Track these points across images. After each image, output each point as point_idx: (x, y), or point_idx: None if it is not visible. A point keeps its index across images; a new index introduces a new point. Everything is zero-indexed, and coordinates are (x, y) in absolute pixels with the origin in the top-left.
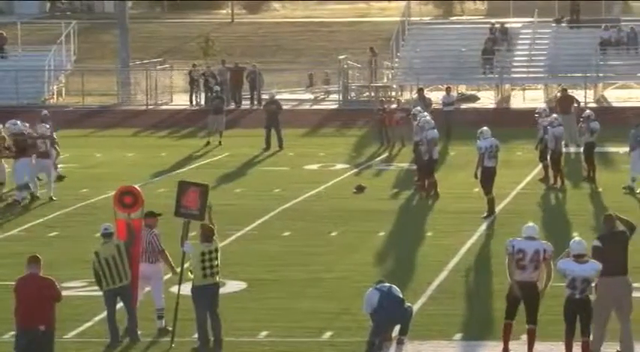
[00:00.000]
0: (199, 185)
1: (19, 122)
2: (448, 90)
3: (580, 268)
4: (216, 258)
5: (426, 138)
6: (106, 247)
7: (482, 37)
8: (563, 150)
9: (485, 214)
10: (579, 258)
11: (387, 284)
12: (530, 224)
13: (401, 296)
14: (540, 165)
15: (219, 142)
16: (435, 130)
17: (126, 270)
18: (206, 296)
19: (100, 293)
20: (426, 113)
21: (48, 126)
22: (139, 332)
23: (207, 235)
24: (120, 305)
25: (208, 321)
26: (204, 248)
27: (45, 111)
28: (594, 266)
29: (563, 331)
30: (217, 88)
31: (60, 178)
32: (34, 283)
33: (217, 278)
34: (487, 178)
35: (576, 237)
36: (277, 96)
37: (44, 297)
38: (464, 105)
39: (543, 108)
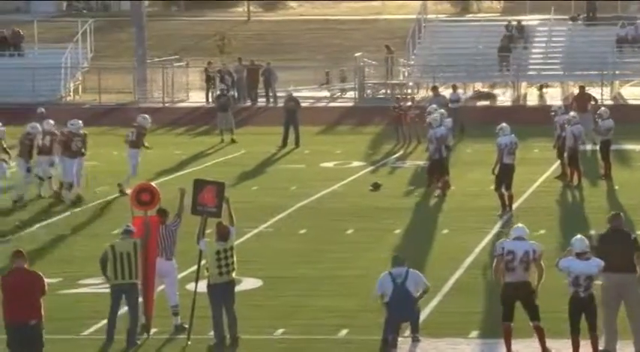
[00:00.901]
0: (216, 183)
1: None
2: (454, 87)
3: (583, 265)
4: (232, 256)
5: (434, 136)
6: (123, 242)
7: (499, 34)
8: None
9: (500, 212)
10: (581, 255)
11: (403, 270)
12: (520, 225)
13: (412, 292)
14: (558, 163)
15: (232, 140)
16: (443, 128)
17: (137, 269)
18: (222, 293)
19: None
20: (442, 111)
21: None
22: (137, 337)
23: (222, 234)
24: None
25: (225, 319)
26: (218, 246)
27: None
28: (596, 262)
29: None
30: (223, 85)
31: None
32: (21, 277)
33: (233, 276)
34: (506, 175)
35: (578, 235)
36: (294, 94)
37: (32, 291)
38: (480, 103)
39: (559, 105)
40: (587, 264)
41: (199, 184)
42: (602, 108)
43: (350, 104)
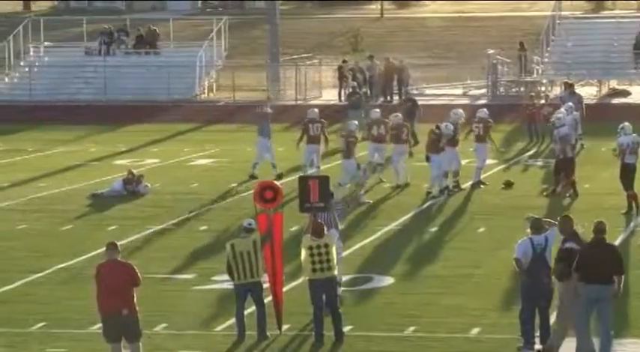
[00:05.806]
0: (319, 177)
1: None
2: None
3: None
4: (327, 254)
5: (557, 135)
6: (243, 241)
7: (634, 31)
8: None
9: (625, 210)
10: None
11: (543, 238)
12: None
13: (549, 261)
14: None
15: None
16: (566, 127)
17: (259, 267)
18: (320, 290)
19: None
20: (575, 112)
21: None
22: (268, 333)
23: (316, 230)
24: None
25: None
26: (312, 242)
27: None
28: None
29: None
30: (354, 83)
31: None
32: (114, 268)
33: (331, 274)
34: (627, 175)
35: None
36: (426, 92)
37: (125, 282)
38: (615, 101)
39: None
40: None
41: (303, 181)
42: None
43: (483, 101)
